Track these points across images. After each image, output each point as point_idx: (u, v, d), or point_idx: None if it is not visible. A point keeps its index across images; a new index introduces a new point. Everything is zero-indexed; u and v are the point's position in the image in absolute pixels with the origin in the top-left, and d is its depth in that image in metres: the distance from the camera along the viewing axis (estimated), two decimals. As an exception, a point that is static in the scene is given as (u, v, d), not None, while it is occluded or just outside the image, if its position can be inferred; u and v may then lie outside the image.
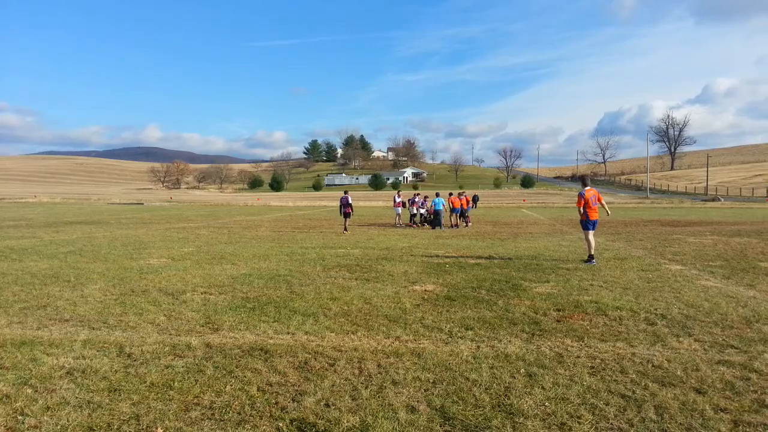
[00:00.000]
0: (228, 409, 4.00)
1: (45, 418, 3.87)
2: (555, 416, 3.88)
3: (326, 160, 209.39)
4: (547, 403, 4.10)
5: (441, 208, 23.08)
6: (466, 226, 24.27)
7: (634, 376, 4.69)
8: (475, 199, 41.88)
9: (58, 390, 4.36)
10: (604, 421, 3.82)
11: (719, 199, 69.75)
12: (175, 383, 4.49)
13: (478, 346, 5.55)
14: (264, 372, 4.79)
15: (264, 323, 6.46)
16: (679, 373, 4.75)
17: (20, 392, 4.32)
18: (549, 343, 5.67)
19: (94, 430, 3.70)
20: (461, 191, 27.66)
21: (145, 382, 4.53)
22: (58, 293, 8.24)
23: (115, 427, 3.74)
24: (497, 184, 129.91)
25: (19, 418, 3.86)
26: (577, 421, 3.80)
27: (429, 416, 3.89)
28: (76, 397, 4.21)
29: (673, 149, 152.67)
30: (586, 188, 12.00)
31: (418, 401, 4.15)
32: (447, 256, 13.00)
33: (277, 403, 4.13)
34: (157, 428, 3.71)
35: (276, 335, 5.97)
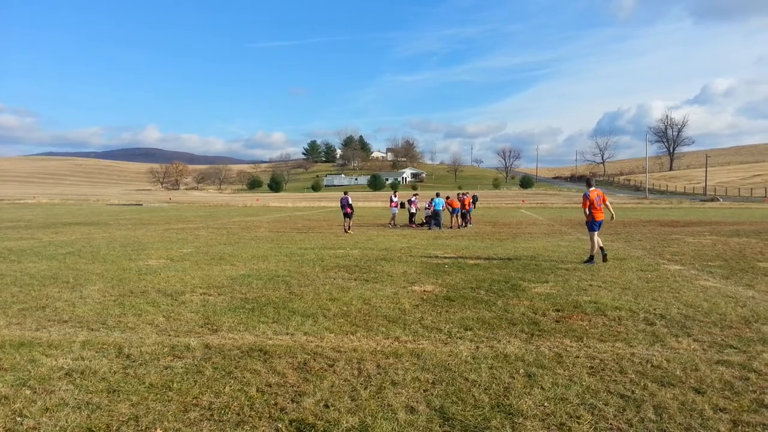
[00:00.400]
0: (227, 410, 4.00)
1: (44, 419, 3.86)
2: (554, 416, 3.88)
3: (325, 161, 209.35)
4: (546, 404, 4.10)
5: (440, 208, 23.11)
6: (465, 226, 24.26)
7: (633, 376, 4.69)
8: (474, 199, 41.87)
9: (57, 391, 4.36)
10: (603, 421, 3.82)
11: (718, 200, 69.83)
12: (174, 384, 4.49)
13: (478, 347, 5.55)
14: (263, 373, 4.79)
15: (263, 324, 6.46)
16: (678, 373, 4.75)
17: (19, 393, 4.31)
18: (548, 343, 5.68)
19: (93, 431, 3.69)
20: (464, 192, 27.66)
21: (144, 383, 4.53)
22: (56, 294, 8.23)
23: (114, 428, 3.73)
24: (496, 185, 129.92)
25: (18, 419, 3.86)
26: (577, 422, 3.80)
27: (428, 417, 3.89)
28: (75, 398, 4.21)
29: (671, 149, 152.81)
30: (591, 189, 11.93)
31: (417, 402, 4.15)
32: (446, 257, 13.01)
33: (276, 403, 4.13)
34: (156, 429, 3.71)
35: (275, 336, 5.97)
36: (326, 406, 4.08)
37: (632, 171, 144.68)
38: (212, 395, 4.28)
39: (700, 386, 4.44)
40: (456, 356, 5.23)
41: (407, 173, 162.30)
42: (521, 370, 4.83)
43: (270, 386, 4.48)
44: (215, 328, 6.31)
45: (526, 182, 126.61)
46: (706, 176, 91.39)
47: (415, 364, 5.03)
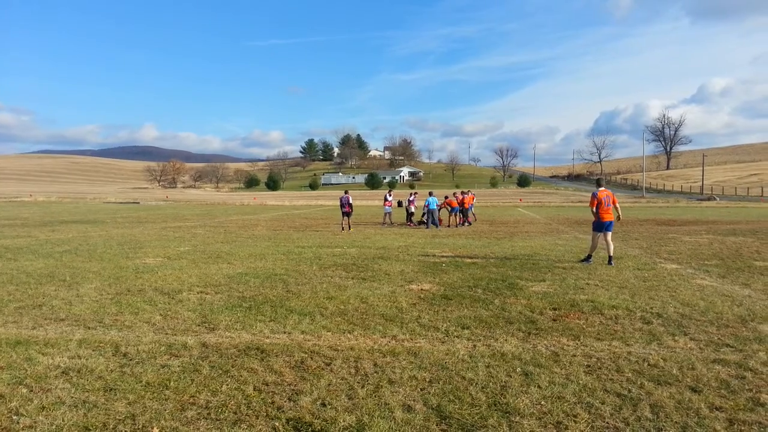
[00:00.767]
0: (224, 409, 3.99)
1: (40, 417, 3.85)
2: (551, 415, 3.89)
3: (323, 160, 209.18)
4: (543, 402, 4.11)
5: (434, 207, 23.13)
6: (463, 225, 24.27)
7: (629, 374, 4.70)
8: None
9: (53, 389, 4.35)
10: (599, 419, 3.83)
11: (715, 199, 70.02)
12: (171, 383, 4.48)
13: (475, 345, 5.56)
14: (260, 371, 4.79)
15: (260, 323, 6.45)
16: (674, 371, 4.76)
17: (15, 392, 4.30)
18: (545, 342, 5.69)
19: (90, 429, 3.69)
20: (464, 190, 27.65)
21: (141, 381, 4.52)
22: (53, 292, 8.21)
23: (111, 426, 3.72)
24: (494, 184, 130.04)
25: (14, 417, 3.85)
26: (573, 420, 3.81)
27: (425, 415, 3.89)
28: (72, 397, 4.20)
29: (668, 149, 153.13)
30: (600, 189, 11.75)
31: (414, 400, 4.15)
32: (443, 255, 13.01)
33: (273, 402, 4.13)
34: (153, 428, 3.70)
35: (272, 335, 5.97)
36: (323, 405, 4.07)
37: (629, 170, 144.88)
38: (209, 394, 4.27)
39: (697, 385, 4.45)
40: (453, 355, 5.23)
41: (405, 172, 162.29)
42: (518, 369, 4.84)
43: (267, 385, 4.48)
44: (212, 326, 6.31)
45: (523, 181, 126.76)
46: (702, 175, 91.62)
47: (412, 362, 5.03)
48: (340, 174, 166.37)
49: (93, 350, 5.37)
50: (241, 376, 4.67)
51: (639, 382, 4.51)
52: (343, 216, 21.32)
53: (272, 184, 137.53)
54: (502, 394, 4.28)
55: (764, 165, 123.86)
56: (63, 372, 4.75)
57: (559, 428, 3.71)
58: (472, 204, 25.76)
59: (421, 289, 8.57)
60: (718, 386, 4.43)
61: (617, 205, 11.99)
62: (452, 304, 7.47)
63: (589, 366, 4.93)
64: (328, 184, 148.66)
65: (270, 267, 10.96)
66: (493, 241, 17.04)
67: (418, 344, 5.61)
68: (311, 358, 5.17)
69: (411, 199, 25.29)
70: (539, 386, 4.43)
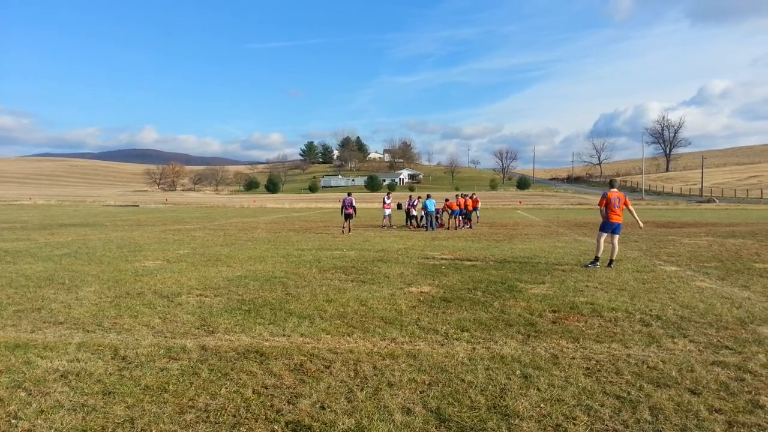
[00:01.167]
0: (223, 412, 3.99)
1: (39, 421, 3.85)
2: (550, 417, 3.89)
3: (322, 162, 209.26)
4: (542, 405, 4.11)
5: (432, 209, 23.24)
6: (462, 227, 24.27)
7: (629, 377, 4.70)
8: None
9: (52, 393, 4.34)
10: (599, 422, 3.83)
11: (714, 201, 70.06)
12: (170, 386, 4.48)
13: (474, 348, 5.55)
14: (259, 374, 4.78)
15: (259, 325, 6.45)
16: (674, 374, 4.76)
17: (14, 395, 4.29)
18: (544, 344, 5.68)
19: (89, 433, 3.68)
20: (466, 193, 27.68)
21: (140, 384, 4.52)
22: (52, 296, 8.20)
23: (110, 430, 3.72)
24: (493, 186, 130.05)
25: (13, 421, 3.84)
26: (573, 423, 3.81)
27: (424, 418, 3.89)
28: (71, 400, 4.19)
29: (668, 151, 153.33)
30: (611, 190, 11.61)
31: (413, 403, 4.15)
32: (443, 258, 13.01)
33: (272, 405, 4.12)
34: (151, 431, 3.70)
35: (271, 337, 5.96)
36: (322, 408, 4.07)
37: (629, 172, 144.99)
38: (208, 397, 4.27)
39: (696, 387, 4.45)
40: (452, 357, 5.23)
41: (404, 174, 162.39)
42: (517, 372, 4.84)
43: (266, 388, 4.47)
44: (211, 329, 6.30)
45: (523, 183, 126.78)
46: (702, 177, 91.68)
47: (412, 365, 5.02)
48: (340, 176, 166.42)
49: (92, 353, 5.37)
50: (240, 379, 4.67)
51: (638, 385, 4.51)
52: (345, 218, 21.46)
53: (272, 187, 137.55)
54: (501, 396, 4.27)
55: (764, 167, 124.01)
56: (62, 375, 4.75)
57: (558, 431, 3.70)
58: (477, 207, 25.84)
59: (421, 292, 8.57)
60: (718, 388, 4.43)
61: (631, 209, 11.80)
62: (451, 307, 7.47)
63: (588, 368, 4.93)
64: (327, 187, 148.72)
65: (269, 270, 10.95)
66: (492, 243, 17.04)
67: (417, 347, 5.61)
68: (310, 361, 5.16)
69: (414, 202, 25.21)
70: (538, 389, 4.43)
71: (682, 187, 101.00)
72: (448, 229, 23.48)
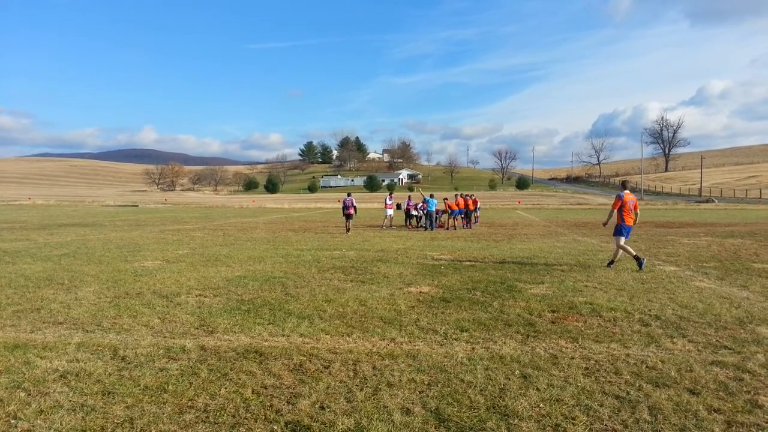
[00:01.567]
0: (222, 412, 3.99)
1: (38, 421, 3.85)
2: (550, 417, 3.89)
3: (321, 162, 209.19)
4: (541, 405, 4.11)
5: (433, 209, 23.30)
6: (461, 227, 24.28)
7: (628, 377, 4.71)
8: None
9: (51, 393, 4.34)
10: (598, 422, 3.83)
11: (713, 201, 70.12)
12: (170, 386, 4.48)
13: (473, 348, 5.56)
14: (259, 374, 4.79)
15: (259, 326, 6.45)
16: (673, 374, 4.77)
17: (13, 396, 4.29)
18: (544, 344, 5.69)
19: (88, 433, 3.68)
20: (467, 193, 27.69)
21: (139, 385, 4.52)
22: (51, 296, 8.20)
23: (109, 430, 3.72)
24: (492, 186, 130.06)
25: (12, 421, 3.84)
26: (572, 423, 3.81)
27: (424, 418, 3.89)
28: (70, 401, 4.19)
29: (667, 151, 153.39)
30: (626, 191, 11.47)
31: (413, 403, 4.15)
32: (442, 258, 13.01)
33: (271, 405, 4.13)
34: (151, 431, 3.70)
35: (271, 338, 5.96)
36: (322, 408, 4.07)
37: (628, 172, 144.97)
38: (207, 397, 4.27)
39: (695, 387, 4.46)
40: (452, 357, 5.23)
41: (404, 174, 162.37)
42: (517, 372, 4.84)
43: (265, 388, 4.48)
44: (211, 329, 6.30)
45: (522, 183, 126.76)
46: (701, 177, 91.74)
47: (411, 365, 5.03)
48: (339, 177, 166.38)
49: (91, 354, 5.37)
50: (239, 379, 4.67)
51: (637, 384, 4.51)
52: (346, 218, 21.57)
53: (271, 187, 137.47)
54: (500, 396, 4.28)
55: (763, 167, 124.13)
56: (61, 375, 4.75)
57: (557, 430, 3.71)
58: (479, 207, 25.87)
59: (420, 292, 8.57)
60: (716, 388, 4.43)
61: (638, 211, 11.66)
62: (451, 307, 7.47)
63: (587, 368, 4.94)
64: (327, 187, 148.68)
65: (269, 270, 10.95)
66: (491, 243, 17.05)
67: (416, 347, 5.61)
68: (310, 361, 5.16)
69: (418, 204, 25.19)
70: (538, 389, 4.43)
71: (681, 187, 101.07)
72: (447, 229, 23.49)
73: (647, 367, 4.96)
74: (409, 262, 12.29)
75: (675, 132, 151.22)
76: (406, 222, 25.41)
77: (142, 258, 12.89)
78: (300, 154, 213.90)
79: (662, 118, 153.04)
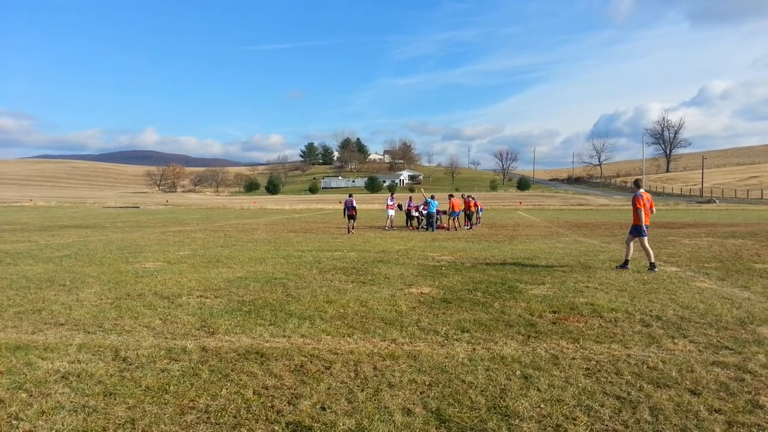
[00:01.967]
0: (224, 413, 4.00)
1: (40, 422, 3.85)
2: (550, 418, 3.89)
3: (322, 163, 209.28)
4: (542, 405, 4.11)
5: (434, 210, 23.38)
6: (464, 228, 24.29)
7: (629, 377, 4.70)
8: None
9: (53, 394, 4.35)
10: (599, 422, 3.83)
11: (714, 201, 70.04)
12: (171, 387, 4.49)
13: (474, 349, 5.56)
14: (260, 375, 4.79)
15: (260, 326, 6.45)
16: (674, 374, 4.77)
17: (15, 397, 4.30)
18: (545, 345, 5.69)
19: (89, 434, 3.69)
20: (468, 194, 27.73)
21: (141, 386, 4.52)
22: (53, 297, 8.21)
23: (111, 431, 3.73)
24: (493, 187, 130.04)
25: (14, 422, 3.85)
26: (573, 423, 3.81)
27: (425, 419, 3.90)
28: (71, 402, 4.20)
29: (668, 151, 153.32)
30: (642, 190, 11.28)
31: (413, 404, 4.16)
32: (443, 259, 13.01)
33: (272, 406, 4.13)
34: (152, 432, 3.70)
35: (272, 338, 5.97)
36: (323, 409, 4.08)
37: (629, 173, 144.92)
38: (209, 398, 4.28)
39: (696, 387, 4.45)
40: (453, 358, 5.23)
41: (404, 175, 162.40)
42: (518, 372, 4.84)
43: (267, 389, 4.48)
44: (212, 330, 6.31)
45: (523, 184, 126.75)
46: (702, 178, 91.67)
47: (412, 366, 5.03)
48: (340, 178, 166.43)
49: (93, 355, 5.38)
50: (240, 380, 4.68)
51: (638, 385, 4.51)
52: (348, 219, 21.75)
53: (272, 188, 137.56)
54: (501, 397, 4.28)
55: (764, 167, 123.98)
56: (63, 377, 4.76)
57: (558, 431, 3.71)
58: (481, 209, 25.96)
59: (421, 293, 8.57)
60: (717, 389, 4.43)
61: (653, 210, 11.50)
62: (452, 308, 7.48)
63: (588, 369, 4.94)
64: (328, 188, 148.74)
65: (270, 271, 10.96)
66: (492, 244, 17.04)
67: (417, 348, 5.61)
68: (311, 361, 5.17)
69: (419, 205, 25.21)
70: (539, 389, 4.43)
71: (683, 188, 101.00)
72: (448, 230, 23.49)
73: (648, 367, 4.96)
74: (410, 263, 12.29)
75: (676, 132, 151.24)
76: (407, 223, 25.43)
77: (143, 259, 12.91)
78: (301, 156, 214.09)
79: (663, 118, 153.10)
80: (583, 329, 6.30)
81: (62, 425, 3.80)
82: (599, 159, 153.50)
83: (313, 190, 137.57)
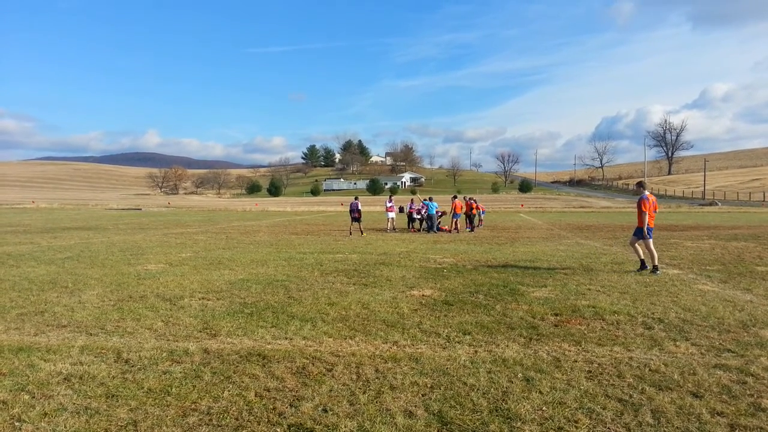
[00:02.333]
0: (226, 415, 4.00)
1: (42, 424, 3.86)
2: (552, 421, 3.89)
3: (324, 165, 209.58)
4: (544, 408, 4.11)
5: (433, 212, 23.48)
6: (465, 230, 24.29)
7: (631, 380, 4.70)
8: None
9: (55, 396, 4.36)
10: (601, 425, 3.83)
11: (716, 204, 69.93)
12: (173, 389, 4.49)
13: (476, 351, 5.56)
14: (262, 377, 4.80)
15: (262, 329, 6.46)
16: (676, 377, 4.76)
17: (17, 398, 4.31)
18: (546, 347, 5.68)
19: (92, 436, 3.69)
20: (469, 196, 27.77)
21: (143, 387, 4.53)
22: (55, 299, 8.23)
23: (113, 433, 3.73)
24: (495, 189, 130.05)
25: (17, 424, 3.86)
26: (575, 426, 3.81)
27: (426, 421, 3.90)
28: (74, 403, 4.21)
29: (670, 154, 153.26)
30: (648, 192, 11.18)
31: (415, 406, 4.16)
32: (445, 261, 13.01)
33: (274, 408, 4.13)
34: (154, 434, 3.71)
35: (274, 340, 5.97)
36: (325, 411, 4.08)
37: (631, 175, 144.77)
38: (211, 400, 4.28)
39: (698, 390, 4.45)
40: (454, 360, 5.23)
41: (406, 177, 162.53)
42: (519, 375, 4.84)
43: (268, 391, 4.49)
44: (214, 332, 6.31)
45: (524, 186, 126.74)
46: (704, 180, 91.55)
47: (414, 368, 5.03)
48: (342, 180, 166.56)
49: (95, 357, 5.38)
50: (242, 382, 4.68)
51: (640, 388, 4.51)
52: (352, 221, 21.89)
53: (274, 191, 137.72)
54: (503, 399, 4.28)
55: (766, 170, 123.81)
56: (65, 378, 4.76)
57: (560, 434, 3.70)
58: (483, 211, 26.02)
59: (423, 295, 8.57)
60: (720, 391, 4.42)
61: (657, 211, 11.47)
62: (454, 310, 7.47)
63: (590, 371, 4.93)
64: (329, 190, 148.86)
65: (272, 273, 10.97)
66: (494, 246, 17.04)
67: (419, 350, 5.61)
68: (313, 363, 5.17)
69: (418, 207, 25.25)
70: (541, 392, 4.43)
71: (685, 190, 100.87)
72: (449, 232, 23.49)
73: (650, 370, 4.95)
74: (412, 265, 12.30)
75: (678, 135, 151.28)
76: (408, 225, 25.45)
77: (145, 261, 12.93)
78: (303, 158, 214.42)
79: (665, 121, 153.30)
80: (585, 332, 6.29)
81: (65, 427, 3.80)
82: (601, 161, 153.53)
83: (314, 192, 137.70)
